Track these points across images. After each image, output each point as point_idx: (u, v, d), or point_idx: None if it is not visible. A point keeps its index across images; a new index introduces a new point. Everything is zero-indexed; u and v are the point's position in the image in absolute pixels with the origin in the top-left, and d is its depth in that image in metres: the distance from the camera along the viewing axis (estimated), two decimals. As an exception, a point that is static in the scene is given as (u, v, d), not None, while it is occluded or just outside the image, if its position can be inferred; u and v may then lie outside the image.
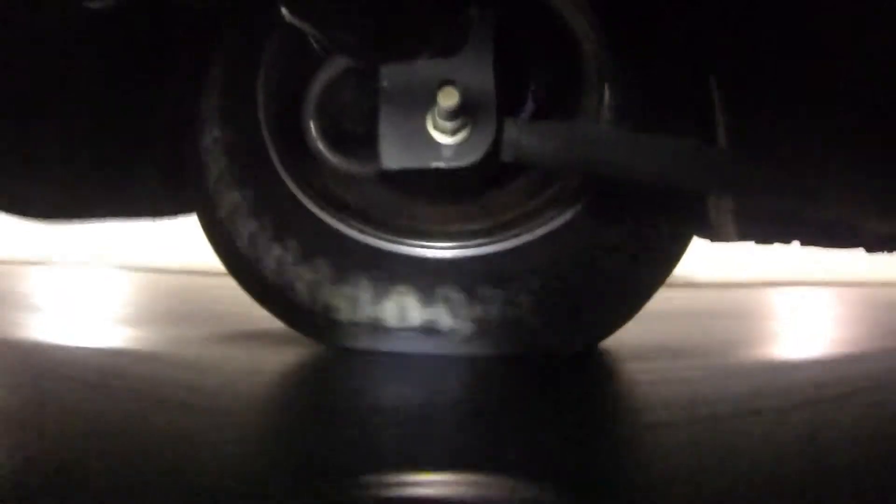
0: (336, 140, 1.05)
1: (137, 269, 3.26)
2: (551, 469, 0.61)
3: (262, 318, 1.13)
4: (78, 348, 1.18)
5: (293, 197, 1.04)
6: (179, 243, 3.08)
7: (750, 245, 1.16)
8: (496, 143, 0.87)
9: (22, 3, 0.87)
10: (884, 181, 0.85)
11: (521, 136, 0.85)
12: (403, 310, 1.01)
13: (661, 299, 1.11)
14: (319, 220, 1.03)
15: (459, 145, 0.89)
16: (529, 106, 1.07)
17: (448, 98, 0.84)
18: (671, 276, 1.09)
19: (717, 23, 0.85)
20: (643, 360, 1.21)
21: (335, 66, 1.00)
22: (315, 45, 0.99)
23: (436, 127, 0.89)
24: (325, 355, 1.09)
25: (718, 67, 0.95)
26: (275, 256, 1.04)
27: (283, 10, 0.73)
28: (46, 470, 0.58)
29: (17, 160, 1.03)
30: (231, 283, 1.14)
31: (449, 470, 0.60)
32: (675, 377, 1.05)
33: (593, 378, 1.05)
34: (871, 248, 1.16)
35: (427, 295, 1.01)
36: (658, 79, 1.01)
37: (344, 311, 1.02)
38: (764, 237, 1.08)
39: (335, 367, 1.05)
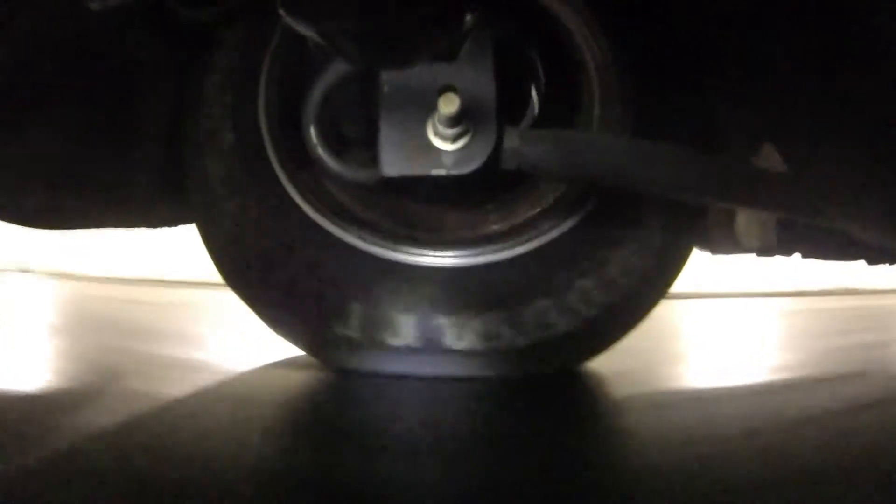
0: (337, 146, 1.05)
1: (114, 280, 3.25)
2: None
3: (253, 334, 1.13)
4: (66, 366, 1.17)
5: (294, 205, 1.03)
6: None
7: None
8: (497, 151, 0.87)
9: (20, 6, 0.87)
10: (886, 194, 0.84)
11: (523, 144, 0.85)
12: (410, 325, 1.00)
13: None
14: (321, 229, 1.03)
15: (460, 152, 0.89)
16: (531, 113, 1.07)
17: (449, 104, 0.84)
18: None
19: (720, 31, 0.85)
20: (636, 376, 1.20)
21: (335, 71, 1.00)
22: (315, 50, 0.98)
23: (436, 134, 0.89)
24: (329, 377, 1.08)
25: (721, 77, 0.94)
26: (274, 268, 1.03)
27: (283, 15, 0.73)
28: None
29: (12, 166, 1.02)
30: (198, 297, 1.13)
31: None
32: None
33: (596, 398, 1.04)
34: (872, 261, 1.16)
35: (433, 308, 1.00)
36: (659, 86, 1.01)
37: (347, 327, 1.01)
38: (766, 249, 1.07)
39: (338, 388, 1.04)
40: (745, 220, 1.10)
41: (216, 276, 1.11)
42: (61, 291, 2.69)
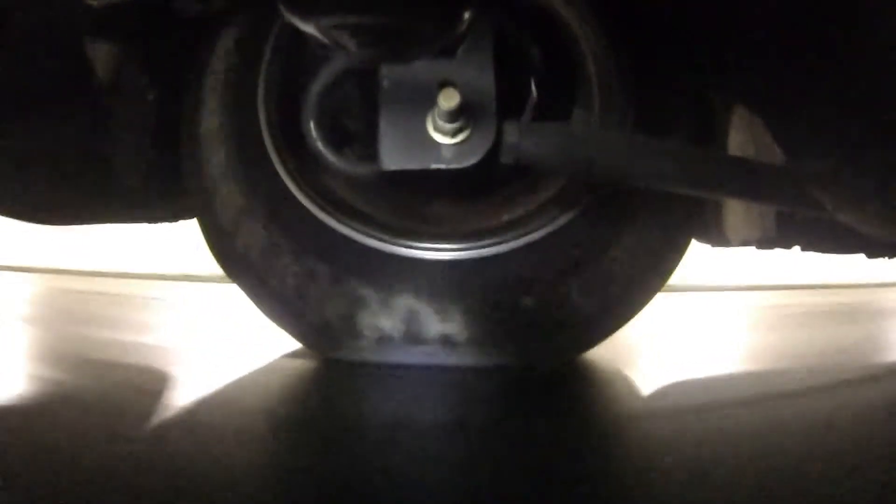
0: (336, 140, 1.05)
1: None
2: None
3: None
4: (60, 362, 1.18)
5: (293, 198, 1.04)
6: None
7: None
8: (496, 145, 0.87)
9: (17, 6, 0.87)
10: (885, 188, 0.84)
11: (522, 138, 0.85)
12: (409, 318, 1.00)
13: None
14: (320, 222, 1.03)
15: (459, 147, 0.89)
16: (530, 107, 1.06)
17: (448, 99, 0.84)
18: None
19: (717, 25, 0.85)
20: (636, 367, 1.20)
21: (335, 66, 1.00)
22: (314, 45, 0.98)
23: (436, 128, 0.89)
24: (328, 368, 1.08)
25: (719, 71, 0.94)
26: (274, 261, 1.03)
27: (283, 11, 0.73)
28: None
29: (19, 163, 1.02)
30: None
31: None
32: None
33: (595, 396, 1.05)
34: (872, 254, 1.16)
35: (432, 301, 1.00)
36: (657, 81, 1.01)
37: (346, 320, 1.02)
38: (766, 242, 1.08)
39: (335, 381, 1.04)
40: (743, 211, 1.10)
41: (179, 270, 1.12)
42: (29, 286, 2.69)
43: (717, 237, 1.14)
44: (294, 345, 1.15)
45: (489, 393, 0.96)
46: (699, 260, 1.22)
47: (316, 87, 1.01)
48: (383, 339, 1.02)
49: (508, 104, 0.93)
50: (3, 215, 1.05)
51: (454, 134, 0.89)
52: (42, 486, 0.57)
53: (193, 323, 1.81)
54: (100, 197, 1.15)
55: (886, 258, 1.17)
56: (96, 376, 1.03)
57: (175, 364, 1.15)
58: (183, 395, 0.90)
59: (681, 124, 1.00)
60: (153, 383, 0.97)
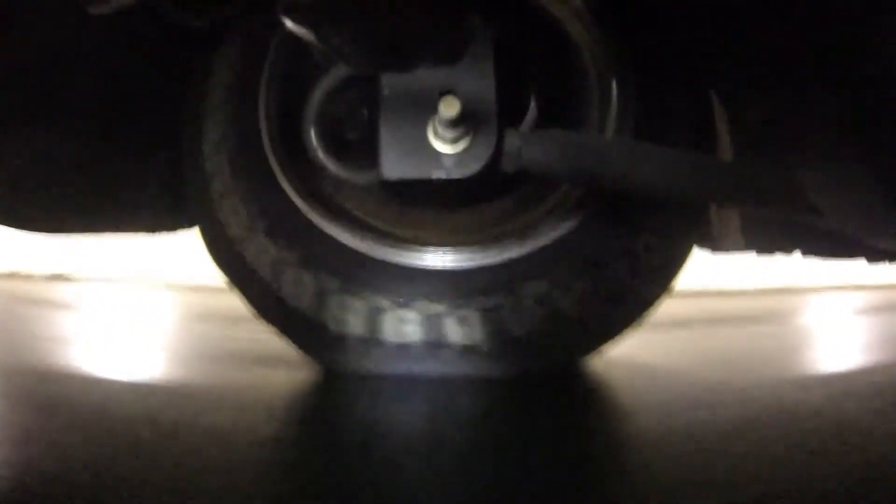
0: (337, 149, 1.05)
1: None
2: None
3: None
4: (80, 374, 1.17)
5: (294, 207, 1.03)
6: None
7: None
8: (497, 153, 0.87)
9: (25, 10, 0.87)
10: (881, 198, 0.84)
11: (523, 146, 0.85)
12: (407, 325, 1.00)
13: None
14: (320, 231, 1.03)
15: (460, 155, 0.89)
16: (531, 115, 1.06)
17: (449, 107, 0.84)
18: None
19: (718, 33, 0.85)
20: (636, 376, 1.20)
21: (336, 74, 1.00)
22: (316, 53, 0.99)
23: (437, 136, 0.89)
24: (324, 376, 1.08)
25: (720, 78, 0.95)
26: (275, 268, 1.03)
27: (284, 20, 0.73)
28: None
29: (18, 173, 1.02)
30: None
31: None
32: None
33: (596, 398, 1.04)
34: (872, 259, 1.16)
35: (429, 309, 0.99)
36: (659, 88, 1.01)
37: (346, 329, 1.01)
38: (766, 248, 1.08)
39: (335, 389, 1.03)
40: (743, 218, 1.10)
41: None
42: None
43: (718, 243, 1.14)
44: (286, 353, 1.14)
45: (495, 400, 0.96)
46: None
47: (317, 95, 1.01)
48: (383, 348, 1.01)
49: (509, 112, 0.93)
50: (10, 227, 1.05)
51: (455, 142, 0.89)
52: (40, 485, 0.57)
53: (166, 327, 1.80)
54: (99, 207, 1.15)
55: (887, 263, 1.17)
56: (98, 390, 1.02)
57: (163, 371, 1.14)
58: (177, 403, 0.89)
59: (682, 130, 1.00)
60: (141, 387, 0.96)
